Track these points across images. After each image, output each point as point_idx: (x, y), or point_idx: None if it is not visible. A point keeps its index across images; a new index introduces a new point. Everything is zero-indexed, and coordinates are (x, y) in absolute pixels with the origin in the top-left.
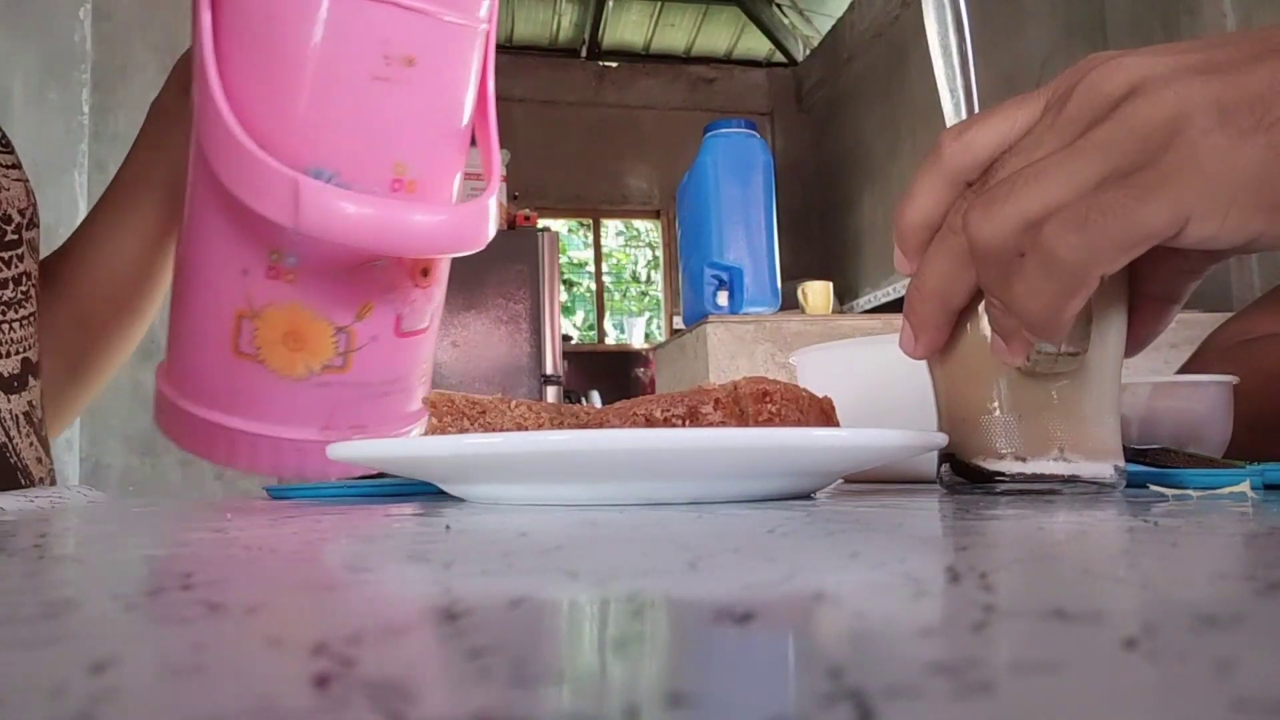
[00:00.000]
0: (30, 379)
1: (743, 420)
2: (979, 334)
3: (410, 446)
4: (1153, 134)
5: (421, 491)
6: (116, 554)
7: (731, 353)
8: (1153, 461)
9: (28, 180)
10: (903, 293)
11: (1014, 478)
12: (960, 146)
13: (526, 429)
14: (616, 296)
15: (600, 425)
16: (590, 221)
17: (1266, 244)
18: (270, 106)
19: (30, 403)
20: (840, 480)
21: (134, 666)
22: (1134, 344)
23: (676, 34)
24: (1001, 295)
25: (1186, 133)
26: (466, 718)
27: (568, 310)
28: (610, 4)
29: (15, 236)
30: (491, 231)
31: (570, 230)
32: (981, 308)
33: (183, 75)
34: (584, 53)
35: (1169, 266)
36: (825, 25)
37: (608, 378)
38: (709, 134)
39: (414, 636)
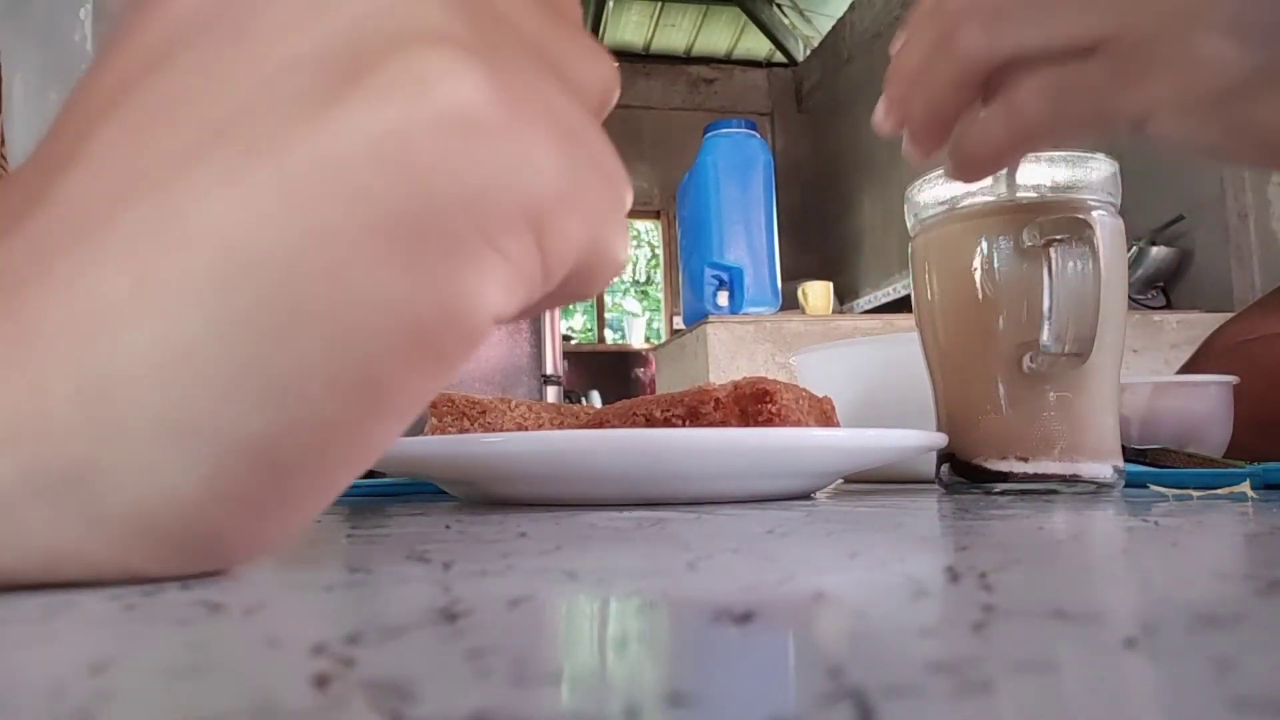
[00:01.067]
0: None
1: (743, 420)
2: (979, 335)
3: (410, 446)
4: (1162, 18)
5: (421, 491)
6: None
7: (731, 353)
8: (1153, 461)
9: None
10: (903, 293)
11: (1014, 477)
12: None
13: (526, 429)
14: (616, 297)
15: (600, 425)
16: None
17: (1219, 156)
18: None
19: None
20: (840, 480)
21: (134, 666)
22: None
23: (676, 34)
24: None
25: (1195, 28)
26: (466, 718)
27: (567, 310)
28: (610, 4)
29: None
30: None
31: None
32: (983, 310)
33: None
34: None
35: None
36: (825, 25)
37: (608, 378)
38: (709, 134)
39: (414, 636)
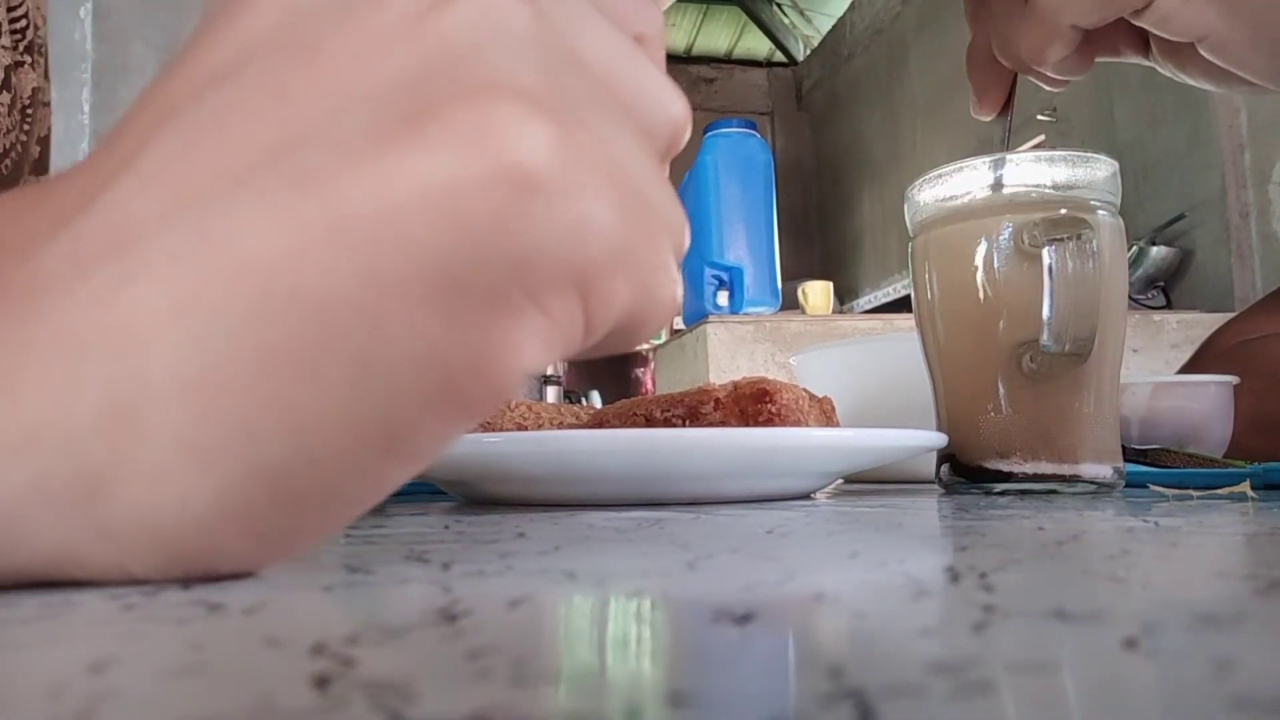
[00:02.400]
0: None
1: (743, 420)
2: (979, 335)
3: None
4: None
5: (421, 491)
6: None
7: (731, 353)
8: (1153, 461)
9: None
10: (903, 293)
11: (1014, 477)
12: None
13: (526, 429)
14: None
15: (600, 425)
16: None
17: (1212, 44)
18: None
19: None
20: (840, 480)
21: (134, 666)
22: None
23: (676, 34)
24: (1002, 33)
25: None
26: (466, 718)
27: None
28: None
29: None
30: None
31: None
32: (983, 310)
33: None
34: None
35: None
36: (825, 25)
37: (608, 378)
38: (709, 134)
39: (413, 636)
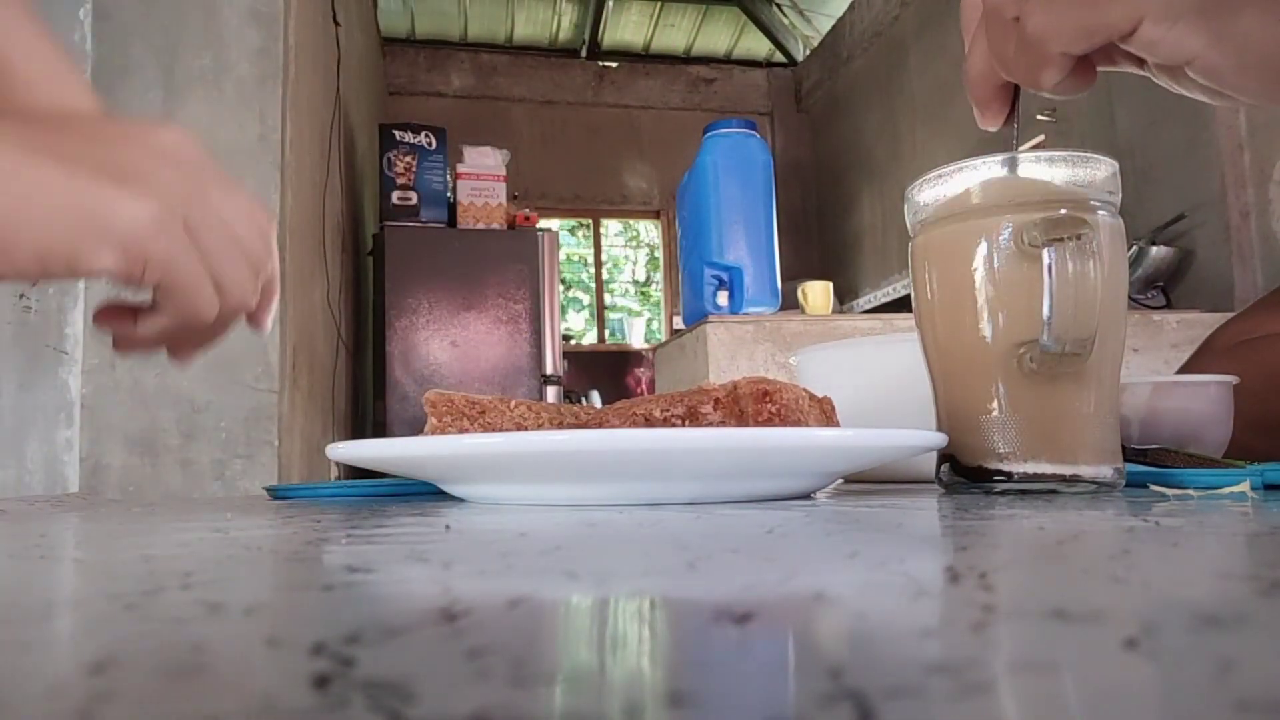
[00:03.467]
0: None
1: (743, 420)
2: (979, 335)
3: (410, 446)
4: None
5: (421, 491)
6: (116, 554)
7: (731, 353)
8: (1153, 461)
9: None
10: (902, 293)
11: (1014, 478)
12: None
13: (526, 429)
14: (616, 297)
15: (600, 425)
16: (590, 221)
17: (1201, 68)
18: None
19: None
20: (840, 480)
21: (134, 666)
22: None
23: (676, 34)
24: (999, 53)
25: None
26: (466, 718)
27: (566, 310)
28: (610, 4)
29: None
30: None
31: (569, 230)
32: (983, 310)
33: None
34: (584, 53)
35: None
36: (825, 25)
37: (608, 378)
38: (709, 134)
39: (414, 636)
